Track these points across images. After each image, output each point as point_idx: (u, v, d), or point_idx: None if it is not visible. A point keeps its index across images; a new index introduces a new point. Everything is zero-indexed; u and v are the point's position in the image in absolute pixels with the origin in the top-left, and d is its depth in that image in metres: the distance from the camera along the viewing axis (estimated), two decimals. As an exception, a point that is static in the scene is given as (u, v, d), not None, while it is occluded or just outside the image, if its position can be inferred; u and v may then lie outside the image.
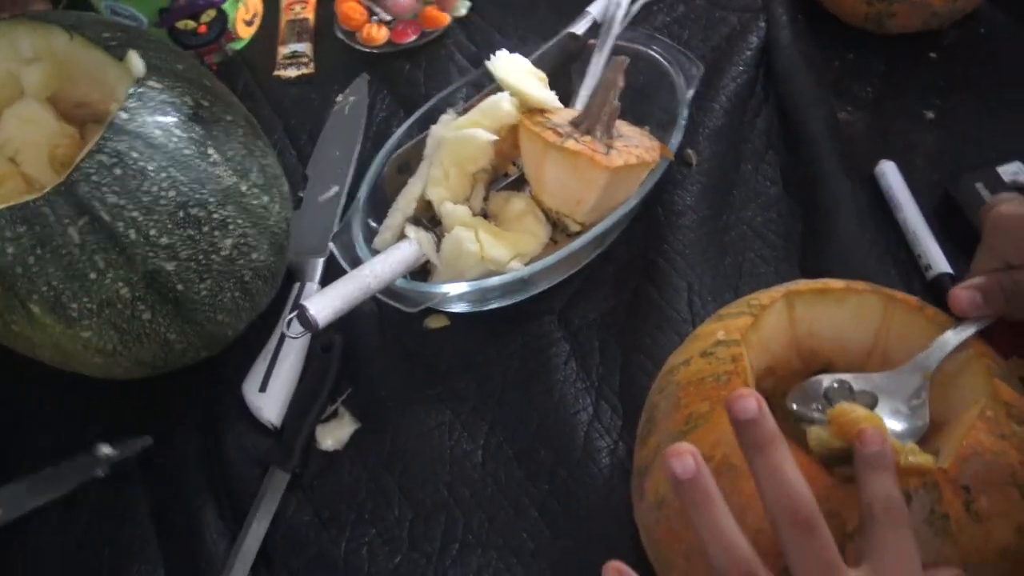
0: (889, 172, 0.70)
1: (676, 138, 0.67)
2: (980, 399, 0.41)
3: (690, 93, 0.70)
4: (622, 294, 0.68)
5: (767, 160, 0.74)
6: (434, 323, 0.69)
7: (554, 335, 0.67)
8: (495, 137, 0.63)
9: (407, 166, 0.68)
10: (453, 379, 0.67)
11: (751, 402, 0.35)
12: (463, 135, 0.62)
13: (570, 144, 0.61)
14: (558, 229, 0.66)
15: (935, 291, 0.63)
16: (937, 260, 0.64)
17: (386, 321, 0.70)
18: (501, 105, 0.63)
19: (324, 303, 0.58)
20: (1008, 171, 0.66)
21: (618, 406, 0.63)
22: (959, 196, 0.66)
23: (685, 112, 0.68)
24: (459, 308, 0.68)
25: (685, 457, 0.35)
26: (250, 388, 0.66)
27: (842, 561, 0.35)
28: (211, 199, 0.57)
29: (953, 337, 0.44)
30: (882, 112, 0.75)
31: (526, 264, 0.62)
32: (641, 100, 0.73)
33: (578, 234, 0.63)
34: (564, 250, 0.62)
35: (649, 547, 0.47)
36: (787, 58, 0.77)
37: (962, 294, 0.45)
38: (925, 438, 0.44)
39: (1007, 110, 0.73)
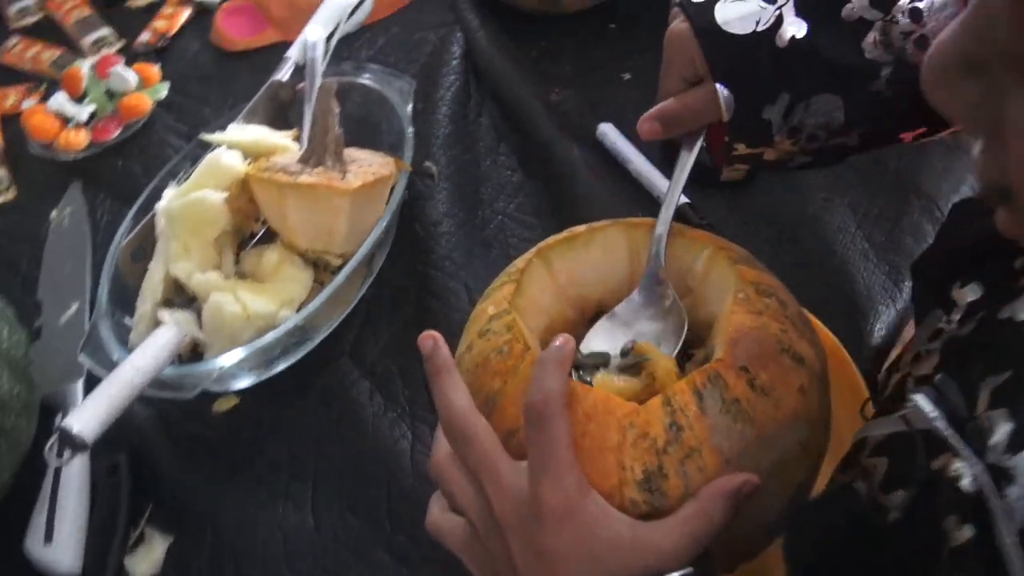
0: (609, 132, 0.75)
1: (408, 150, 0.68)
2: (731, 287, 0.44)
3: (409, 108, 0.71)
4: (405, 314, 0.68)
5: (501, 151, 0.76)
6: (223, 406, 0.64)
7: (352, 375, 0.65)
8: (224, 194, 0.60)
9: (142, 252, 0.64)
10: (260, 455, 0.62)
11: (428, 342, 0.42)
12: (190, 200, 0.59)
13: (304, 179, 0.59)
14: (321, 269, 0.64)
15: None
16: (674, 195, 0.69)
17: (171, 422, 0.65)
18: (221, 160, 0.61)
19: (87, 416, 0.53)
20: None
21: (435, 421, 0.62)
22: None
23: (409, 126, 0.69)
24: (246, 381, 0.64)
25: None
26: (34, 543, 0.58)
27: (500, 458, 0.39)
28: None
29: (661, 224, 0.46)
30: (586, 84, 0.80)
31: (297, 311, 0.60)
32: (368, 129, 0.73)
33: (342, 267, 0.62)
34: (332, 284, 0.60)
35: None
36: (489, 58, 0.80)
37: (643, 126, 0.46)
38: (703, 343, 0.47)
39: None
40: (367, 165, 0.63)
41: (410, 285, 0.69)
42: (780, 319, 0.42)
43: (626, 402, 0.39)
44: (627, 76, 0.80)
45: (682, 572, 0.37)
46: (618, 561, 0.37)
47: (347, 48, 0.85)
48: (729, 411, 0.39)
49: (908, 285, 0.64)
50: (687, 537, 0.37)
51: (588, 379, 0.43)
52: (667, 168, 0.73)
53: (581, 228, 0.49)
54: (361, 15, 0.79)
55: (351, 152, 0.66)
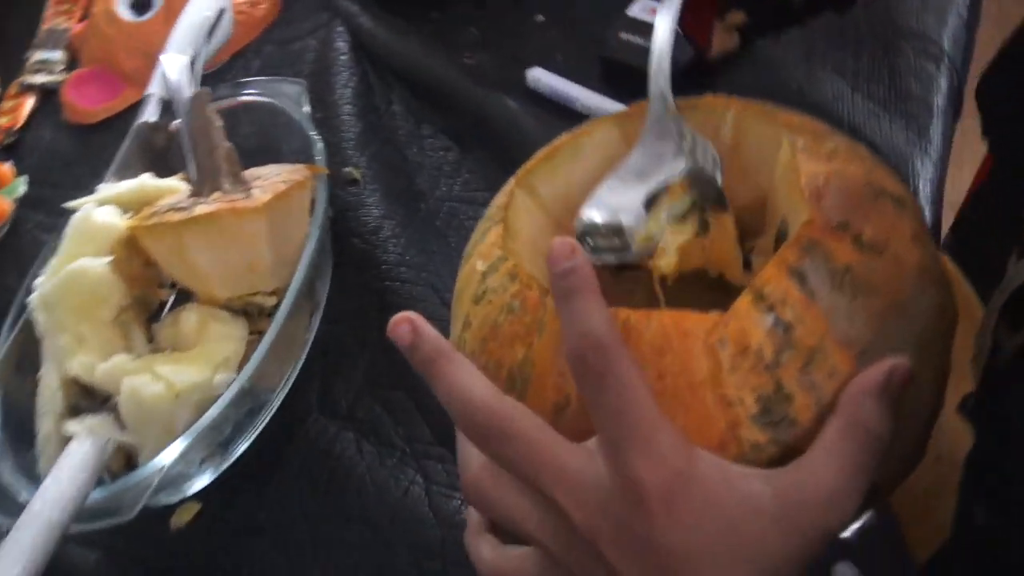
0: (541, 76, 0.65)
1: (319, 152, 0.56)
2: (780, 140, 0.33)
3: (306, 109, 0.60)
4: (372, 342, 0.56)
5: (425, 133, 0.66)
6: (183, 518, 0.51)
7: (329, 431, 0.52)
8: (108, 259, 0.48)
9: (27, 363, 0.51)
10: (245, 563, 0.49)
11: (403, 329, 0.30)
12: (66, 277, 0.47)
13: (201, 209, 0.47)
14: (255, 317, 0.52)
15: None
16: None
17: (123, 558, 0.51)
18: (92, 218, 0.49)
19: (-3, 581, 0.39)
20: (636, 9, 0.63)
21: (445, 453, 0.49)
22: (615, 53, 0.62)
23: (311, 128, 0.58)
24: (203, 479, 0.51)
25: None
26: None
27: (557, 444, 0.28)
28: None
29: (660, 39, 0.35)
30: (497, 40, 0.70)
31: (239, 372, 0.48)
32: (269, 150, 0.62)
33: (279, 305, 0.50)
34: (273, 326, 0.48)
35: None
36: (383, 41, 0.70)
37: None
38: (759, 232, 0.36)
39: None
40: (274, 177, 0.52)
41: (368, 308, 0.57)
42: (858, 159, 0.32)
43: (703, 315, 0.28)
44: (540, 18, 0.70)
45: (863, 522, 0.26)
46: (767, 532, 0.25)
47: (219, 80, 0.74)
48: (843, 285, 0.28)
49: (935, 131, 0.55)
50: (846, 468, 0.26)
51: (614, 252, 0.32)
52: (614, 93, 0.64)
53: (562, 138, 0.38)
54: (222, 34, 0.68)
55: (252, 171, 0.54)
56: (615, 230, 0.34)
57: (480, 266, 0.34)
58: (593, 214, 0.34)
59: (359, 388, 0.54)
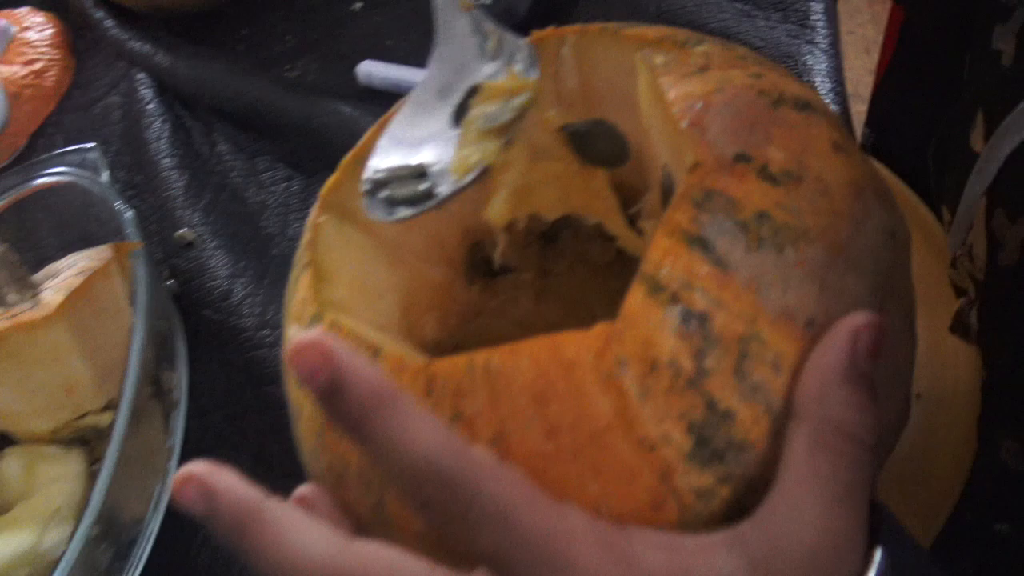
0: (372, 68, 0.56)
1: (128, 224, 0.47)
2: (627, 67, 0.25)
3: (104, 177, 0.51)
4: (252, 427, 0.47)
5: (261, 167, 0.57)
6: None
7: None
8: None
9: None
10: None
11: (189, 493, 0.21)
12: None
13: (-24, 339, 0.38)
14: (95, 443, 0.42)
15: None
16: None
17: None
18: None
19: None
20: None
21: (361, 539, 0.41)
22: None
23: (115, 197, 0.49)
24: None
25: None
26: None
27: None
28: None
29: None
30: (317, 43, 0.62)
31: (72, 518, 0.38)
32: (82, 234, 0.52)
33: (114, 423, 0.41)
34: (112, 450, 0.39)
35: None
36: (189, 76, 0.60)
37: None
38: (639, 193, 0.29)
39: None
40: (70, 270, 0.42)
41: (238, 388, 0.48)
42: (738, 63, 0.24)
43: (585, 332, 0.20)
44: (358, 5, 0.62)
45: (877, 568, 0.18)
46: None
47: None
48: (762, 240, 0.20)
49: (817, 16, 0.48)
50: (832, 496, 0.19)
51: (406, 193, 0.24)
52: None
53: (370, 131, 0.29)
54: (-2, 116, 0.58)
55: (49, 268, 0.45)
56: (414, 172, 0.25)
57: (294, 333, 0.25)
58: (380, 161, 0.26)
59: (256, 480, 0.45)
